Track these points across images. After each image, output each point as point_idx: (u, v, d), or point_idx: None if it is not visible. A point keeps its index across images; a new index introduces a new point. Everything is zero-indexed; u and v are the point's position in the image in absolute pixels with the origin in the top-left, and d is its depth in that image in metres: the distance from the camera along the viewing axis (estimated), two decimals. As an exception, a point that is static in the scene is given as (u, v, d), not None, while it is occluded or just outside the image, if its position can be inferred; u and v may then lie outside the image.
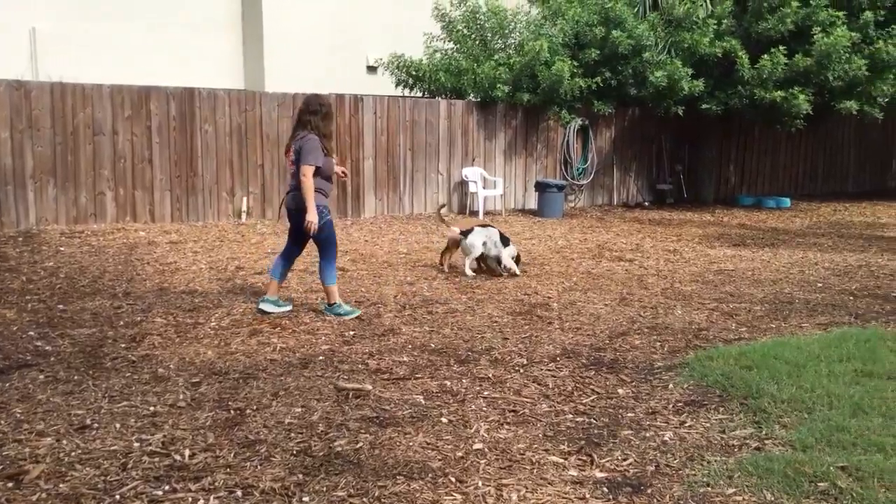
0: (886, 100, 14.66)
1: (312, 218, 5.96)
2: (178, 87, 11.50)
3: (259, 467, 3.41)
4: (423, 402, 4.28)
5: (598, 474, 3.39)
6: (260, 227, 11.36)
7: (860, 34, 13.87)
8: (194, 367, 4.85)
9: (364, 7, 16.24)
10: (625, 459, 3.54)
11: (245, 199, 11.93)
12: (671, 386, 4.58)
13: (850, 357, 4.87)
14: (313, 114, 6.04)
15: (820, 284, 7.83)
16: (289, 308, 6.37)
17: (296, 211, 6.11)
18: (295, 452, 3.57)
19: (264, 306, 6.26)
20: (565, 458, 3.56)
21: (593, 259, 9.30)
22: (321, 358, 5.08)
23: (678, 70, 13.53)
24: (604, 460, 3.53)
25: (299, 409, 4.12)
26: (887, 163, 20.50)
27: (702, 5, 14.12)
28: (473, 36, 14.60)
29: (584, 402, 4.35)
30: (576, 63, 13.73)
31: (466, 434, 3.83)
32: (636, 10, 14.53)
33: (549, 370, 4.92)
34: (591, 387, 4.60)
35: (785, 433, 3.77)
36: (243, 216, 11.86)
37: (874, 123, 16.47)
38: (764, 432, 3.82)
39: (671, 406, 4.26)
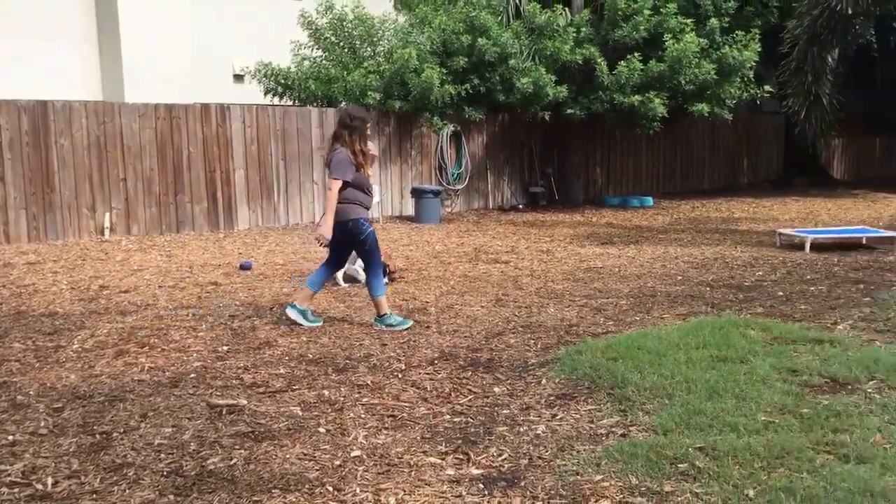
0: (734, 102, 15.67)
1: (325, 232, 5.98)
2: (31, 100, 10.89)
3: (127, 491, 3.29)
4: (301, 413, 4.24)
5: (475, 471, 3.47)
6: (125, 243, 10.90)
7: (708, 40, 14.77)
8: (56, 392, 4.61)
9: (228, 15, 15.89)
10: (500, 455, 3.63)
11: (108, 214, 11.41)
12: (544, 381, 4.73)
13: (706, 344, 5.16)
14: (343, 127, 6.01)
15: (680, 277, 8.26)
16: (319, 323, 6.26)
17: (339, 224, 6.04)
18: (165, 473, 3.46)
19: (291, 313, 6.20)
20: (443, 459, 3.61)
21: (470, 262, 9.47)
22: (193, 375, 4.93)
23: (542, 77, 13.98)
24: (480, 457, 3.61)
25: (169, 429, 3.99)
26: (739, 161, 21.88)
27: (561, 14, 14.65)
28: (342, 44, 14.58)
29: (461, 402, 4.42)
30: (445, 70, 13.93)
31: (344, 442, 3.82)
32: (500, 18, 14.90)
33: (427, 373, 4.97)
34: (469, 387, 4.69)
35: (648, 419, 3.97)
36: (107, 233, 11.34)
37: (725, 124, 17.55)
38: (629, 419, 4.00)
39: (544, 401, 4.40)
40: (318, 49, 14.65)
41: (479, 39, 13.87)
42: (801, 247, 10.01)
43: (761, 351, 5.05)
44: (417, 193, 13.99)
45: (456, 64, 14.02)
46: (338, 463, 3.57)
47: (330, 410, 4.28)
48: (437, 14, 14.55)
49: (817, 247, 9.99)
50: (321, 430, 3.99)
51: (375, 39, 14.68)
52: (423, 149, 14.98)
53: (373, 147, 6.36)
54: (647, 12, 14.41)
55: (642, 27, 14.42)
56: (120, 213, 11.56)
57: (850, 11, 11.46)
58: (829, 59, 13.73)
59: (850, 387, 4.39)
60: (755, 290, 7.47)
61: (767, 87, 15.74)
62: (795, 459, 3.39)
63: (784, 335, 5.46)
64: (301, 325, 6.18)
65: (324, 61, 14.53)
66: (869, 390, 4.33)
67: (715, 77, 14.57)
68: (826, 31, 12.18)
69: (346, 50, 14.56)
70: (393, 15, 15.51)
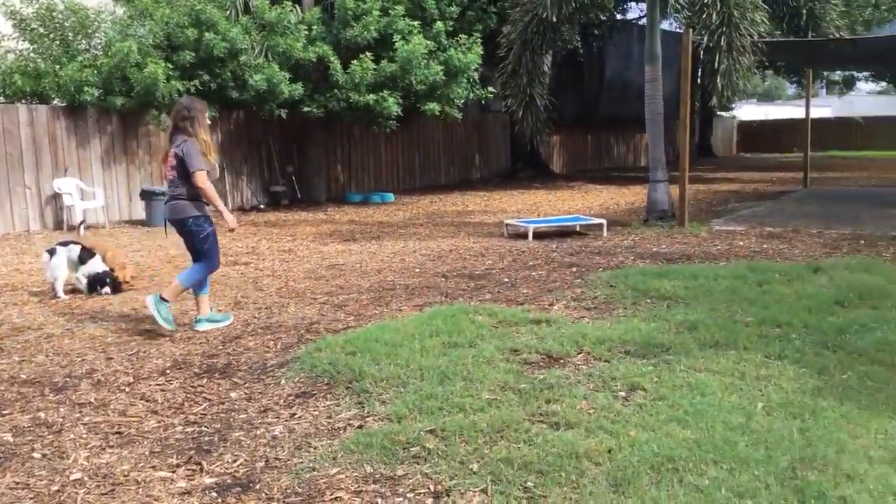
0: (463, 101, 16.53)
1: (231, 221, 6.14)
2: None
3: None
4: (12, 439, 3.86)
5: (208, 480, 3.37)
6: None
7: (435, 42, 15.44)
8: None
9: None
10: (235, 461, 3.56)
11: None
12: (283, 381, 4.70)
13: (438, 332, 5.43)
14: (184, 119, 5.90)
15: (417, 270, 8.59)
16: (230, 319, 6.30)
17: (178, 221, 5.95)
18: None
19: (203, 326, 6.06)
20: (173, 472, 3.47)
21: (206, 266, 9.12)
22: None
23: (276, 74, 13.81)
24: (213, 466, 3.52)
25: None
26: (472, 157, 23.16)
27: (292, 10, 14.56)
28: (52, 35, 13.36)
29: (195, 411, 4.27)
30: (171, 65, 13.28)
31: (63, 466, 3.54)
32: (228, 13, 14.49)
33: (158, 385, 4.74)
34: (204, 395, 4.54)
35: (384, 408, 4.09)
36: None
37: (457, 123, 18.47)
38: (366, 411, 4.11)
39: (282, 401, 4.38)
40: (24, 41, 13.29)
41: (207, 34, 13.39)
42: (525, 236, 10.83)
43: (488, 334, 5.41)
44: (147, 195, 13.21)
45: (182, 59, 13.41)
46: (55, 488, 3.30)
47: (47, 433, 3.94)
48: (160, 6, 13.81)
49: (539, 235, 10.87)
50: (36, 455, 3.66)
51: (91, 31, 13.61)
52: (151, 148, 14.17)
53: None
54: (376, 13, 14.74)
55: (372, 27, 14.72)
56: None
57: (554, 19, 12.54)
58: (543, 64, 14.93)
59: (562, 361, 4.85)
60: (485, 278, 7.97)
61: (491, 89, 16.79)
62: (514, 431, 3.68)
63: (508, 318, 5.89)
64: (219, 325, 6.13)
65: (31, 54, 13.22)
66: (578, 362, 4.81)
67: (443, 78, 15.26)
68: (537, 37, 13.25)
69: (56, 42, 13.35)
70: (110, 6, 14.47)
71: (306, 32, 14.62)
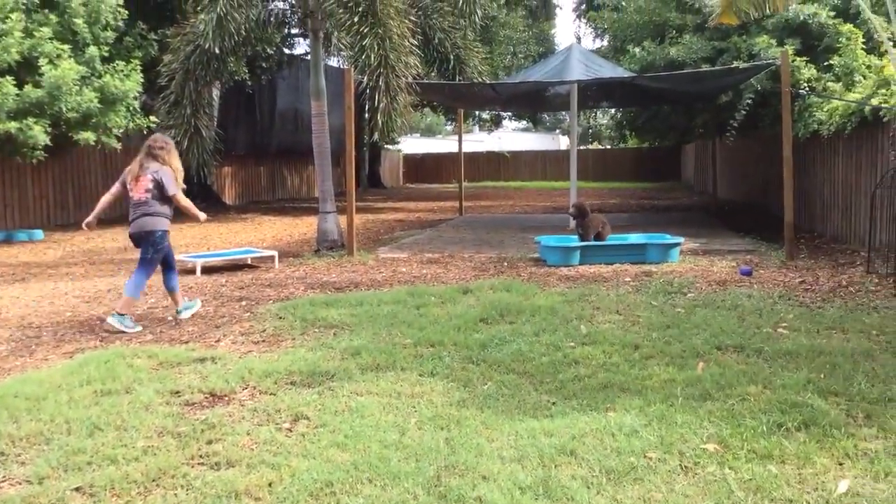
0: (122, 131, 15.56)
1: (202, 216, 7.57)
2: None
3: None
4: None
5: None
6: None
7: (88, 68, 14.39)
8: None
9: None
10: None
11: None
12: None
13: (90, 380, 5.05)
14: (161, 149, 7.16)
15: (69, 314, 7.89)
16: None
17: (148, 232, 7.10)
18: None
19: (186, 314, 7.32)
20: None
21: None
22: None
23: None
24: None
25: None
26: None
27: None
28: None
29: None
30: None
31: None
32: None
33: None
34: None
35: (23, 470, 3.71)
36: None
37: (117, 153, 17.28)
38: (2, 475, 3.69)
39: None
40: None
41: None
42: (192, 271, 10.48)
43: (146, 378, 5.16)
44: None
45: None
46: None
47: None
48: None
49: (208, 270, 10.58)
50: None
51: None
52: None
53: None
54: (17, 34, 13.38)
55: (14, 49, 13.33)
56: None
57: (217, 50, 12.39)
58: (209, 94, 14.59)
59: (226, 398, 4.78)
60: (146, 318, 7.54)
61: (154, 118, 15.99)
62: (171, 478, 3.56)
63: (170, 359, 5.67)
64: (195, 308, 7.47)
65: None
66: (243, 398, 4.78)
67: (99, 106, 14.28)
68: (200, 67, 12.95)
69: None
70: None
71: (-70, 51, 12.81)
